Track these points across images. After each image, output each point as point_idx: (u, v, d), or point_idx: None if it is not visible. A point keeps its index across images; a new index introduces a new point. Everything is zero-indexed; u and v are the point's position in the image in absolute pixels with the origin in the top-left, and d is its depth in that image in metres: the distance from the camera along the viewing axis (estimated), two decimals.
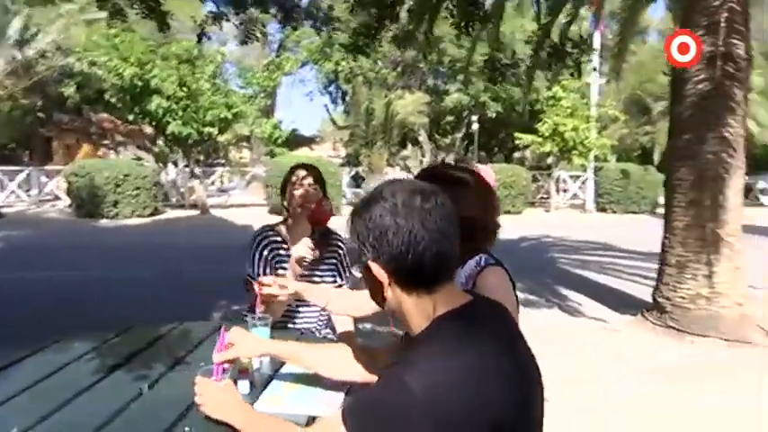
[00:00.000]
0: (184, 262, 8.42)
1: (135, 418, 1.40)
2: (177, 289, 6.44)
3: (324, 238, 2.32)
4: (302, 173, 2.29)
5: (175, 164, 22.33)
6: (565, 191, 19.43)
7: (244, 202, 18.23)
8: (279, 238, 2.33)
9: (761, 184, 19.69)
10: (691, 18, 4.80)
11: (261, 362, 1.68)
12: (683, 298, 4.71)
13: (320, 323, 2.35)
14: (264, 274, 2.28)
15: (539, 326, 4.77)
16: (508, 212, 16.28)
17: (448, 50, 17.79)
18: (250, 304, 2.03)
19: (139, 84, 13.75)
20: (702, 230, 4.69)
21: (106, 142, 22.26)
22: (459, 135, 23.30)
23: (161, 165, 17.78)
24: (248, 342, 1.50)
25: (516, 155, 30.02)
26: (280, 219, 2.45)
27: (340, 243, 2.40)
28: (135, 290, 6.39)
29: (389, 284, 1.06)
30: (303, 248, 2.10)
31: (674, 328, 4.69)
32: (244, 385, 1.52)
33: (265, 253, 2.30)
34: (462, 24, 4.44)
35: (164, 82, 13.75)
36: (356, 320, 2.34)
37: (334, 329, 2.36)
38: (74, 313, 5.09)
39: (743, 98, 4.75)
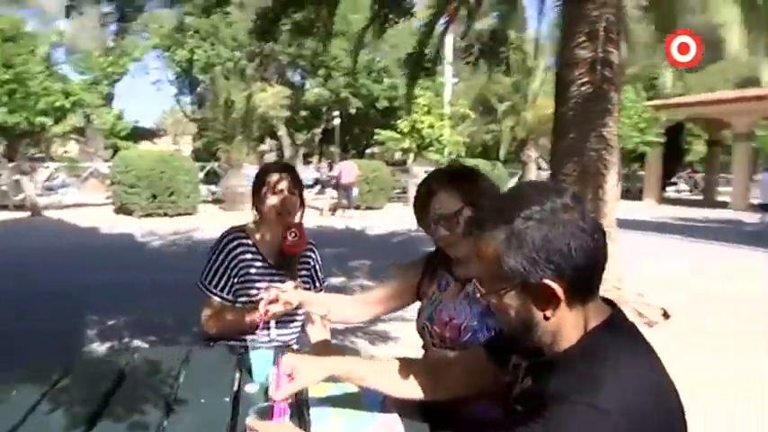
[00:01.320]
0: (35, 269, 7.33)
1: None
2: (33, 299, 5.57)
3: None
4: (276, 176, 2.01)
5: None
6: None
7: (82, 202, 16.41)
8: (251, 247, 2.04)
9: None
10: (575, 25, 5.16)
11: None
12: None
13: (293, 336, 2.11)
14: (225, 286, 2.03)
15: None
16: (371, 208, 16.61)
17: (307, 43, 17.51)
18: (253, 324, 1.75)
19: None
20: None
21: None
22: (317, 131, 23.15)
23: None
24: (311, 367, 1.27)
25: (368, 151, 30.65)
26: (246, 222, 2.16)
27: (313, 249, 2.18)
28: None
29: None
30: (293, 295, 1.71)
31: None
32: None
33: (231, 261, 2.02)
34: (388, 15, 4.29)
35: None
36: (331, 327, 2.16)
37: (307, 341, 2.14)
38: None
39: (617, 101, 5.24)
